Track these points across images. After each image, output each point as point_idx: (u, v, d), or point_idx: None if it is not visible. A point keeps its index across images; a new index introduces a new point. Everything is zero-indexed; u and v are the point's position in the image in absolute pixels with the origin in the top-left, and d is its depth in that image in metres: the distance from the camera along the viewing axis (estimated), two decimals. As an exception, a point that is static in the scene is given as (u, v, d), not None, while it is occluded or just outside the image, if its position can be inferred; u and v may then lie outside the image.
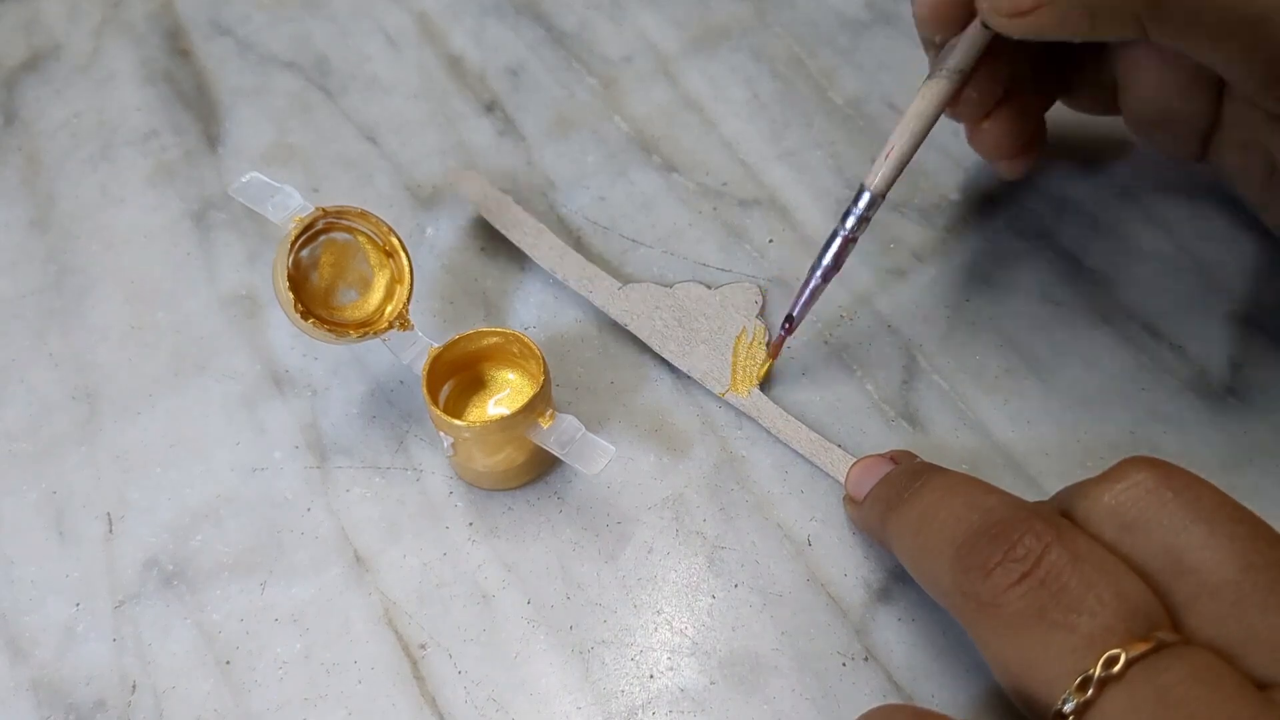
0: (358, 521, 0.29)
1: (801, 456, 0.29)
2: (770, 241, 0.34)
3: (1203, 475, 0.21)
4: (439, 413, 0.27)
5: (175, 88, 0.40)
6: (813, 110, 0.38)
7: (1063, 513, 0.22)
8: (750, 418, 0.30)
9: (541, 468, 0.29)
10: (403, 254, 0.29)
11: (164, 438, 0.31)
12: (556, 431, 0.27)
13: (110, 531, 0.29)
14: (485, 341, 0.29)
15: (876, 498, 0.26)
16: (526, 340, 0.28)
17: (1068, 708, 0.19)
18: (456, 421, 0.27)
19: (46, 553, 0.29)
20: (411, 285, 0.30)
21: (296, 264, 0.28)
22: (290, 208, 0.28)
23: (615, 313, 0.32)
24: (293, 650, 0.27)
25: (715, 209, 0.35)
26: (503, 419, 0.27)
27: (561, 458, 0.27)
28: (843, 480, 0.28)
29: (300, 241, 0.28)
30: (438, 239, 0.35)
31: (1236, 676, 0.19)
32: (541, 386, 0.27)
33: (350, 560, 0.28)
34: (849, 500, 0.28)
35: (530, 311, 0.33)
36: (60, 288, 0.34)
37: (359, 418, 0.31)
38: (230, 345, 0.32)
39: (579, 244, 0.34)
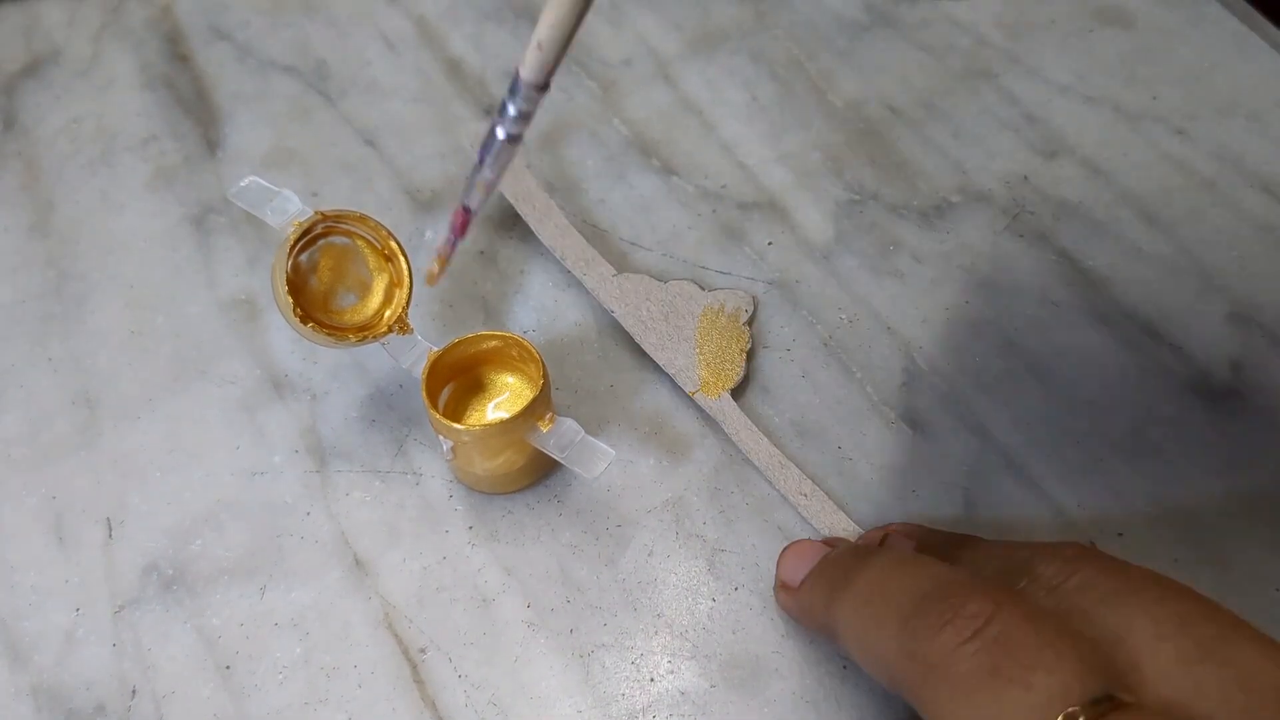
0: (357, 525, 0.29)
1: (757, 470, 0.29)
2: (769, 244, 0.34)
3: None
4: (438, 416, 0.27)
5: (174, 93, 0.40)
6: (812, 113, 0.38)
7: None
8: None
9: (541, 471, 0.29)
10: (402, 258, 0.29)
11: (164, 442, 0.31)
12: (556, 435, 0.27)
13: (110, 536, 0.29)
14: (484, 345, 0.29)
15: (819, 579, 0.25)
16: (526, 344, 0.28)
17: None
18: (456, 425, 0.27)
19: (46, 558, 0.29)
20: (410, 289, 0.29)
21: (295, 268, 0.28)
22: (289, 212, 0.28)
23: (604, 298, 0.32)
24: (293, 655, 0.27)
25: (714, 211, 0.35)
26: (502, 423, 0.27)
27: (561, 461, 0.27)
28: (793, 499, 0.28)
29: (299, 245, 0.28)
30: (437, 242, 0.35)
31: None
32: (541, 390, 0.27)
33: (350, 564, 0.28)
34: (782, 587, 0.26)
35: (529, 315, 0.33)
36: (60, 293, 0.34)
37: (358, 422, 0.31)
38: (230, 350, 0.32)
39: (578, 247, 0.34)
